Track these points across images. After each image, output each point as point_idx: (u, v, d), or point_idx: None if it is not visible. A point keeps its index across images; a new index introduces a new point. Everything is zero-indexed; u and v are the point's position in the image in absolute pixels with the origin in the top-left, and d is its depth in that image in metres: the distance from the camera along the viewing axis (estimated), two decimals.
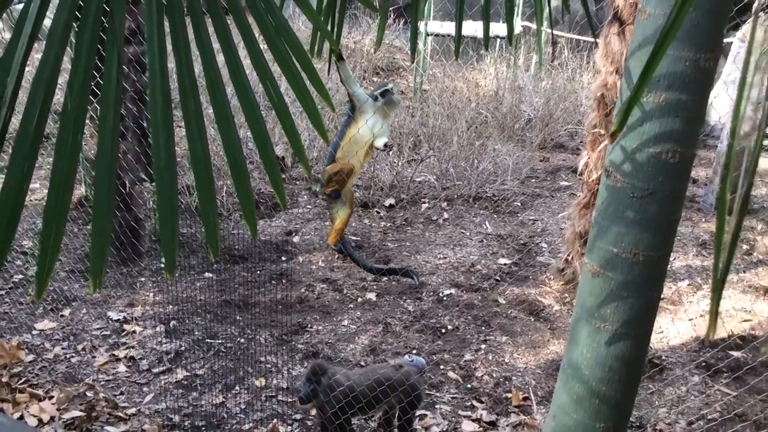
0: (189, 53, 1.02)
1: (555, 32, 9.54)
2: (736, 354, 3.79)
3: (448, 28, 8.84)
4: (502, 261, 4.98)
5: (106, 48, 0.95)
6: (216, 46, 1.08)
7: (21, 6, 0.94)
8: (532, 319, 4.28)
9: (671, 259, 4.92)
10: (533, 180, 6.63)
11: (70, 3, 0.91)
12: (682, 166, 1.29)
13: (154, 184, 4.85)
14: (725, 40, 6.82)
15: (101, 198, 0.97)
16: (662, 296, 4.25)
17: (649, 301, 1.40)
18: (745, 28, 6.37)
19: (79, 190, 5.17)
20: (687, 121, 1.25)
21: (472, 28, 7.34)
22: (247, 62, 1.15)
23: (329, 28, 1.70)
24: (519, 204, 6.01)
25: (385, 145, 4.58)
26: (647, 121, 1.25)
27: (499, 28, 8.20)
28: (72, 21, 0.94)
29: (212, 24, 1.07)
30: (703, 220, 5.75)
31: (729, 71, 7.25)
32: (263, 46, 1.11)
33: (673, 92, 1.22)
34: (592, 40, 8.04)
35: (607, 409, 1.44)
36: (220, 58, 1.14)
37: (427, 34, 8.62)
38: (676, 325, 4.09)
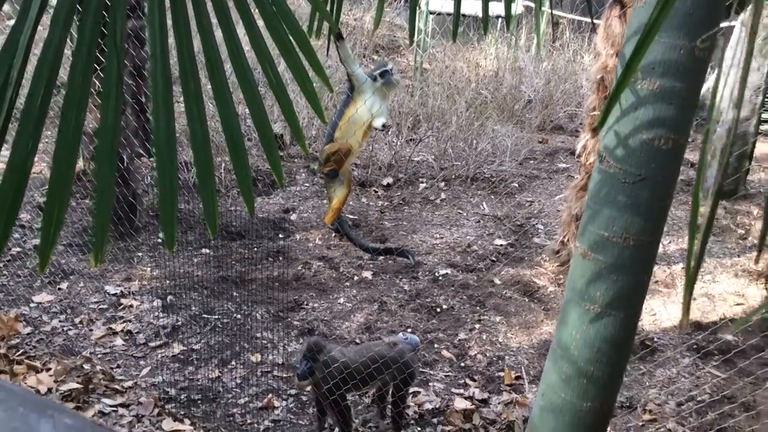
0: (189, 35, 1.03)
1: (556, 13, 9.48)
2: (727, 337, 3.84)
3: (450, 6, 8.77)
4: (498, 242, 5.00)
5: (108, 29, 0.97)
6: (214, 20, 1.09)
7: None
8: (527, 300, 4.32)
9: (666, 242, 4.96)
10: (531, 161, 6.64)
11: None
12: (675, 153, 1.31)
13: (152, 159, 4.85)
14: (727, 24, 6.79)
15: (103, 175, 0.99)
16: (656, 279, 4.29)
17: (638, 285, 1.42)
18: (746, 14, 6.34)
19: (77, 164, 5.17)
20: (680, 108, 1.26)
21: (474, 7, 7.29)
22: (245, 40, 1.16)
23: (329, 6, 1.70)
24: (516, 185, 6.03)
25: (384, 126, 4.59)
26: (641, 107, 1.26)
27: (500, 8, 8.15)
28: (76, 2, 0.95)
29: (211, 3, 1.08)
30: (701, 203, 5.77)
31: (731, 56, 7.22)
32: (260, 23, 1.12)
33: (667, 79, 1.23)
34: (597, 22, 8.01)
35: (595, 388, 1.47)
36: (218, 34, 1.15)
37: (429, 13, 8.57)
38: (668, 308, 4.14)
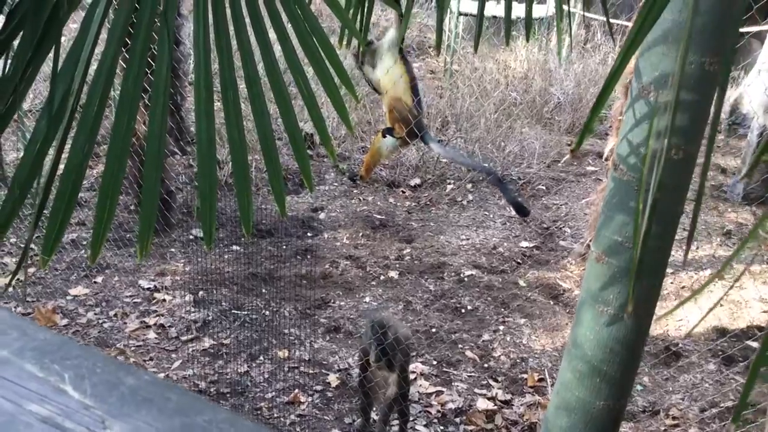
0: (230, 52, 1.11)
1: (588, 15, 9.44)
2: (753, 344, 3.82)
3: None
4: (524, 244, 5.03)
5: (158, 46, 1.05)
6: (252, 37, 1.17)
7: None
8: (551, 303, 4.34)
9: (694, 248, 4.93)
10: (560, 164, 6.64)
11: (128, 5, 1.01)
12: (685, 163, 1.35)
13: (185, 157, 4.97)
14: (763, 28, 6.70)
15: (150, 177, 1.08)
16: (683, 285, 4.27)
17: (650, 288, 1.47)
18: None
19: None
20: (691, 120, 1.31)
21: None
22: (281, 59, 1.25)
23: (360, 14, 1.77)
24: (543, 188, 6.04)
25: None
26: (653, 118, 1.31)
27: (534, 11, 8.12)
28: (129, 21, 1.04)
29: (251, 25, 1.16)
30: (729, 210, 5.73)
31: (765, 59, 7.13)
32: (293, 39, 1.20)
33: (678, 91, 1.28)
34: (627, 24, 7.96)
35: (608, 387, 1.52)
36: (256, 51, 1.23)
37: (459, 14, 8.60)
38: (695, 313, 4.12)
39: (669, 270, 4.66)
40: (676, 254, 4.77)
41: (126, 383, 0.61)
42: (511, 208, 4.55)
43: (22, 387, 0.61)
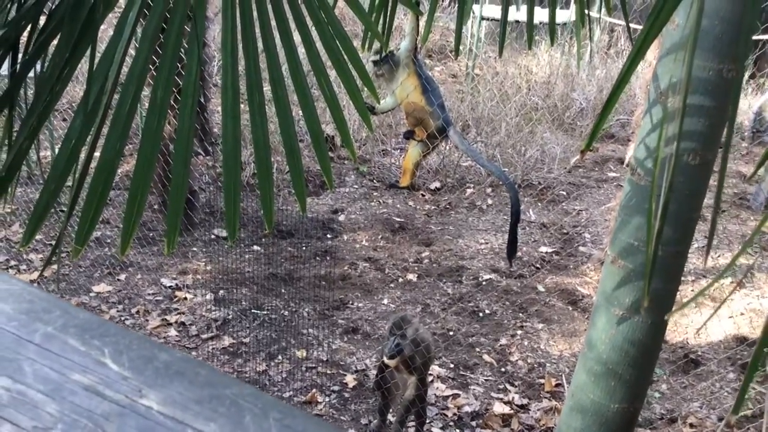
0: (256, 55, 1.15)
1: (611, 20, 9.39)
2: None
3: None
4: (543, 249, 5.02)
5: (188, 51, 1.09)
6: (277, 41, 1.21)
7: None
8: (570, 308, 4.33)
9: (715, 255, 4.89)
10: (581, 169, 6.61)
11: (160, 10, 1.06)
12: (702, 168, 1.36)
13: (208, 157, 5.04)
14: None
15: (178, 173, 1.12)
16: (705, 292, 4.24)
17: (665, 292, 1.48)
18: None
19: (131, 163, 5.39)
20: (708, 125, 1.32)
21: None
22: (302, 53, 1.29)
23: (382, 20, 1.80)
24: (564, 193, 6.02)
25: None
26: (670, 123, 1.33)
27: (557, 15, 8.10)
28: (161, 26, 1.08)
29: (277, 29, 1.20)
30: (752, 218, 5.68)
31: None
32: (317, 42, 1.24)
33: (696, 97, 1.29)
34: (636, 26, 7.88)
35: (622, 390, 1.53)
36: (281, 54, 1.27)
37: (482, 19, 8.60)
38: (715, 322, 4.09)
39: (690, 277, 4.64)
40: (698, 262, 4.76)
41: (160, 358, 0.68)
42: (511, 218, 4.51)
43: (66, 359, 0.69)
